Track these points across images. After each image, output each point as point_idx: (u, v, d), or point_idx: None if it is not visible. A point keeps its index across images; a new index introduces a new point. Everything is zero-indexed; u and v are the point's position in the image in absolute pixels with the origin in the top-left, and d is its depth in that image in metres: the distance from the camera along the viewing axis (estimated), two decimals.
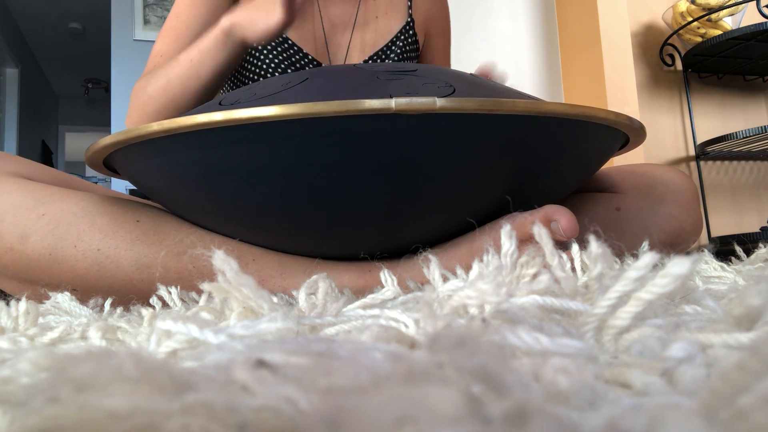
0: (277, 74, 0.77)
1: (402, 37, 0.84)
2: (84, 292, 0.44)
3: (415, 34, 0.86)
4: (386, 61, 0.82)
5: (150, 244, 0.45)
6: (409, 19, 0.86)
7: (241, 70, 0.80)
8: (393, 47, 0.83)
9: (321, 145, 0.37)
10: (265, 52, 0.77)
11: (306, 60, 0.78)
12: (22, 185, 0.47)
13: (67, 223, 0.45)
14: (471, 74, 0.50)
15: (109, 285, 0.45)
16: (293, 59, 0.77)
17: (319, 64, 0.79)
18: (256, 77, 0.78)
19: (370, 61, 0.81)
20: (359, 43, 0.82)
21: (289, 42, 0.77)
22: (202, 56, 0.62)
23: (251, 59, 0.78)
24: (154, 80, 0.66)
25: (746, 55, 1.64)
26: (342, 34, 0.82)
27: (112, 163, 0.47)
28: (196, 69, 0.63)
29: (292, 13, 0.57)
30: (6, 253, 0.44)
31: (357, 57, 0.82)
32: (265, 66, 0.77)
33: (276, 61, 0.77)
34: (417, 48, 0.87)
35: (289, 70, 0.77)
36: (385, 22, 0.83)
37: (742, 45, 1.57)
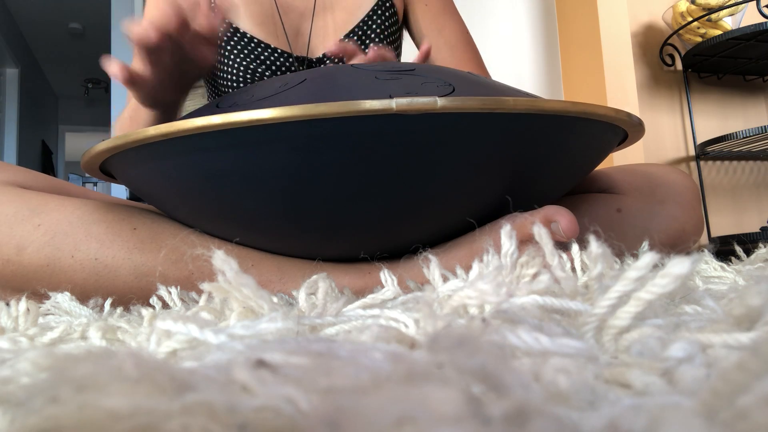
0: (248, 74, 0.76)
1: (379, 12, 0.80)
2: (82, 301, 0.44)
3: (392, 6, 0.82)
4: (365, 40, 0.79)
5: (148, 252, 0.45)
6: None
7: (215, 77, 0.80)
8: (370, 23, 0.79)
9: (321, 146, 0.37)
10: (232, 55, 0.76)
11: (276, 55, 0.76)
12: (17, 195, 0.46)
13: (64, 233, 0.44)
14: (468, 72, 0.50)
15: (108, 294, 0.44)
16: (262, 57, 0.76)
17: (290, 56, 0.77)
18: (228, 81, 0.77)
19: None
20: (323, 27, 0.79)
21: (255, 41, 0.76)
22: (132, 113, 0.68)
23: (221, 66, 0.77)
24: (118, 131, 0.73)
25: (746, 55, 1.64)
26: (304, 22, 0.79)
27: (108, 168, 0.47)
28: (135, 124, 0.67)
29: (132, 81, 0.49)
30: (3, 265, 0.44)
31: (324, 41, 0.79)
32: (235, 69, 0.76)
33: (246, 61, 0.76)
34: (396, 21, 0.82)
35: (260, 69, 0.76)
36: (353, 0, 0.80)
37: (742, 45, 1.57)
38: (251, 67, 0.76)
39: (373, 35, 0.79)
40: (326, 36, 0.79)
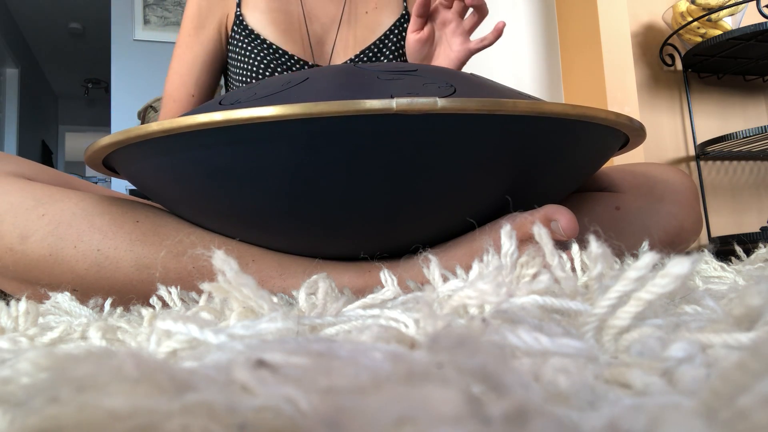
0: (267, 74, 0.79)
1: (396, 31, 0.84)
2: (84, 293, 0.44)
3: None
4: (380, 57, 0.82)
5: (149, 244, 0.45)
6: (404, 12, 0.85)
7: (232, 74, 0.82)
8: (386, 41, 0.83)
9: (321, 145, 0.37)
10: (252, 55, 0.78)
11: (293, 61, 0.79)
12: (22, 185, 0.46)
13: (67, 224, 0.45)
14: (471, 74, 0.50)
15: (109, 285, 0.45)
16: (281, 61, 0.78)
17: (306, 63, 0.79)
18: (247, 80, 0.79)
19: (358, 58, 0.82)
20: (344, 40, 0.82)
21: (274, 47, 0.78)
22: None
23: (240, 64, 0.79)
24: None
25: (746, 55, 1.64)
26: (328, 33, 0.83)
27: (111, 162, 0.47)
28: None
29: None
30: (6, 254, 0.44)
31: (343, 54, 0.82)
32: (254, 68, 0.78)
33: (265, 62, 0.78)
34: None
35: (278, 71, 0.78)
36: (374, 17, 0.83)
37: (742, 45, 1.56)
38: (271, 66, 0.78)
39: (387, 51, 0.83)
40: (346, 48, 0.83)
